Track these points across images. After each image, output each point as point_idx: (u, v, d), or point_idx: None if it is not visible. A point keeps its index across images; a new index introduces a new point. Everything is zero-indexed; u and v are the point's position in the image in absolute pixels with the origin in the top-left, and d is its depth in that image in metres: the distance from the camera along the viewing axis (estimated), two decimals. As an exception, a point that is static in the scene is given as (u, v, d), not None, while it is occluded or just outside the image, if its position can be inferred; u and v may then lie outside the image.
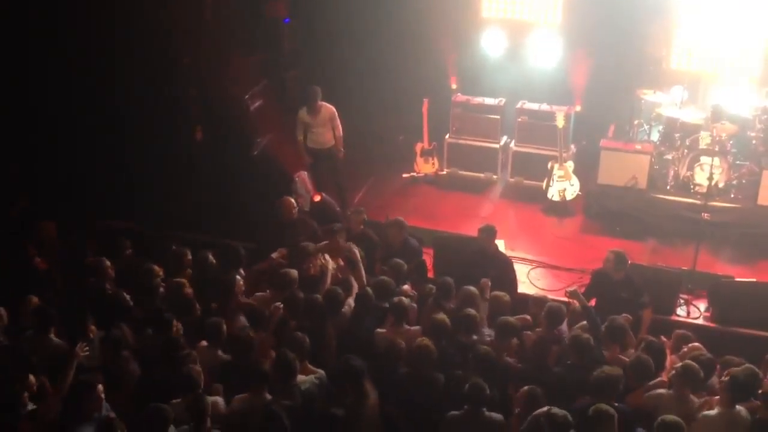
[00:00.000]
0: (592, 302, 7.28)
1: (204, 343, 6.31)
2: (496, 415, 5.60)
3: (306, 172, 10.16)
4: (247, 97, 10.59)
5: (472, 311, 6.58)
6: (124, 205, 9.65)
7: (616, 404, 5.58)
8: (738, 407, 5.65)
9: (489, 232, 8.03)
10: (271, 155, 10.36)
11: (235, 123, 10.33)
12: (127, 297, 6.75)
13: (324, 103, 9.74)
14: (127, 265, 7.55)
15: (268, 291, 7.22)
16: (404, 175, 11.23)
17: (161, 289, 7.02)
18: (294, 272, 7.06)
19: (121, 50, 9.99)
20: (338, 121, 9.85)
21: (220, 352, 6.24)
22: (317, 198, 9.78)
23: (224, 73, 10.34)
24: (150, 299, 6.86)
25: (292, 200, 8.66)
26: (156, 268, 7.23)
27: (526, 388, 5.72)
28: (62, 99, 10.03)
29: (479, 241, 8.08)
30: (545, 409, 5.39)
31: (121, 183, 9.83)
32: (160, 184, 9.79)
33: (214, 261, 7.54)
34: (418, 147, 11.15)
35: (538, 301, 6.95)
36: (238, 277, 7.12)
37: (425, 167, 11.20)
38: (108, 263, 7.30)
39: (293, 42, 11.83)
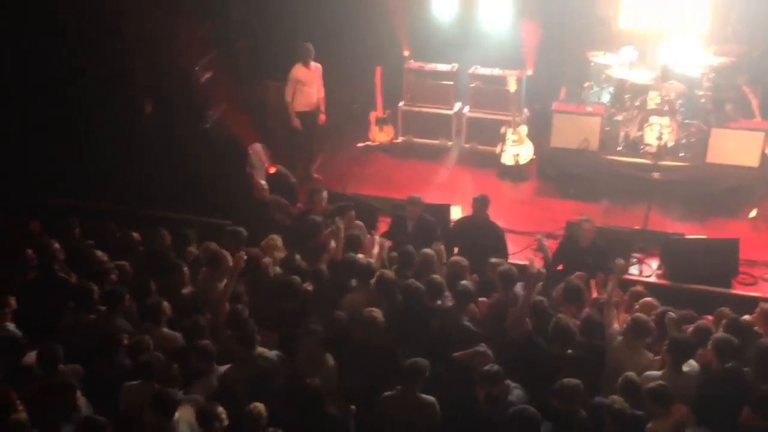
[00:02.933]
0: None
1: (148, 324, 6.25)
2: (428, 398, 5.58)
3: (260, 144, 10.07)
4: (197, 68, 10.39)
5: (437, 277, 6.61)
6: (73, 183, 9.47)
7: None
8: (686, 367, 5.78)
9: (483, 202, 8.06)
10: (224, 128, 10.23)
11: (185, 95, 10.14)
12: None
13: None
14: (75, 246, 7.36)
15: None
16: (359, 145, 11.21)
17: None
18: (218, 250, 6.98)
19: (65, 23, 9.71)
20: (321, 81, 9.88)
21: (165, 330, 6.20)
22: (272, 170, 9.71)
23: (172, 44, 10.11)
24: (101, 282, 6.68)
25: (263, 182, 8.56)
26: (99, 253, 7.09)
27: (473, 350, 5.79)
28: (3, 74, 9.74)
29: (476, 212, 8.06)
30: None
31: (69, 159, 9.62)
32: (109, 159, 9.61)
33: (168, 239, 7.41)
34: (373, 115, 11.12)
35: (493, 266, 7.02)
36: (185, 268, 6.96)
37: (380, 135, 11.18)
38: (57, 245, 7.10)
39: (242, 12, 11.61)
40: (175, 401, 5.21)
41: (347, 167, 10.70)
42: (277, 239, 7.55)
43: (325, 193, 8.29)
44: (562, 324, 6.02)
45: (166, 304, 6.30)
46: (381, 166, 10.87)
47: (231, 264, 6.75)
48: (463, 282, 6.57)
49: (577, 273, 7.15)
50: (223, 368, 5.81)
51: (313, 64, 9.91)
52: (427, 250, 7.09)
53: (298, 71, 9.84)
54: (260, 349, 5.90)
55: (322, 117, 10.17)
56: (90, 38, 9.79)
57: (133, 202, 9.24)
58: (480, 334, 6.31)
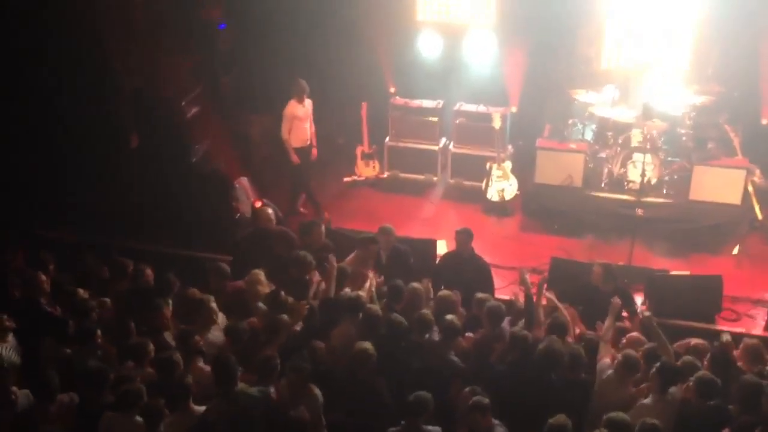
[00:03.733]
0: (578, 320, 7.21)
1: (131, 363, 6.19)
2: (434, 428, 5.57)
3: (246, 178, 10.10)
4: (183, 102, 10.42)
5: (427, 313, 6.59)
6: (61, 215, 9.41)
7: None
8: (671, 390, 5.85)
9: (466, 235, 8.03)
10: (210, 162, 10.24)
11: (171, 129, 10.16)
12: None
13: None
14: (52, 281, 7.28)
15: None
16: (345, 179, 11.23)
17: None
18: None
19: (52, 57, 9.74)
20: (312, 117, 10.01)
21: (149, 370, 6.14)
22: (259, 204, 9.69)
23: (159, 78, 10.17)
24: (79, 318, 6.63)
25: (270, 210, 8.44)
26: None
27: (467, 389, 5.76)
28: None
29: (460, 245, 8.03)
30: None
31: (56, 192, 9.58)
32: (96, 192, 9.59)
33: (151, 276, 7.36)
34: (359, 150, 11.18)
35: (480, 302, 7.01)
36: (166, 307, 6.86)
37: (366, 170, 11.22)
38: (43, 277, 7.05)
39: (229, 47, 11.72)
40: None
41: (333, 201, 10.71)
42: (260, 274, 7.47)
43: (323, 228, 8.26)
44: (554, 347, 6.03)
45: (151, 345, 6.24)
46: (366, 201, 10.89)
47: (215, 308, 6.70)
48: (449, 316, 6.54)
49: (565, 305, 7.14)
50: (201, 407, 5.72)
51: (307, 100, 9.96)
52: (416, 285, 7.07)
53: (294, 108, 9.85)
54: (242, 385, 5.83)
55: (314, 152, 10.21)
56: (77, 72, 9.80)
57: (119, 235, 9.18)
58: (465, 369, 6.29)
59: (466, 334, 6.78)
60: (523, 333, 6.37)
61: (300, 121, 9.89)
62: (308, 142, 10.08)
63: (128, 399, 5.51)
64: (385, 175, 11.25)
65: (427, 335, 6.50)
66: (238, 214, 9.61)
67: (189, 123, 10.32)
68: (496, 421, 5.57)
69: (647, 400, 5.83)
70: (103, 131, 9.99)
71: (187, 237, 9.01)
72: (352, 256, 7.83)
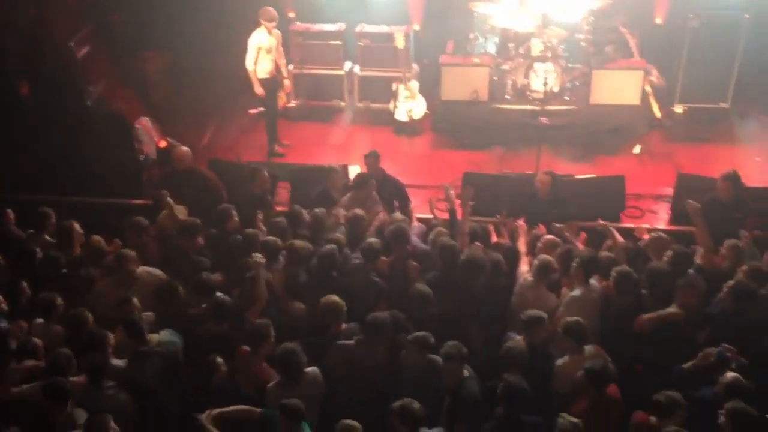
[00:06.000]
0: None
1: (40, 320, 6.03)
2: (383, 355, 5.66)
3: (148, 118, 9.76)
4: (72, 43, 9.91)
5: (340, 236, 6.67)
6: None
7: None
8: (591, 281, 6.15)
9: (375, 158, 8.15)
10: (107, 103, 9.83)
11: (62, 72, 9.67)
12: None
13: None
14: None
15: None
16: (251, 111, 10.98)
17: None
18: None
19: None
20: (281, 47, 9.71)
21: (58, 327, 5.97)
22: (163, 144, 9.44)
23: (44, 21, 9.62)
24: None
25: (186, 148, 8.15)
26: None
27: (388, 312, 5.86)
28: None
29: (370, 169, 8.10)
30: None
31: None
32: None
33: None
34: (263, 80, 10.91)
35: (384, 225, 7.08)
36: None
37: (272, 100, 10.99)
38: None
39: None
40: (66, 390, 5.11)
41: (240, 135, 10.49)
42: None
43: (266, 173, 8.06)
44: (476, 255, 6.25)
45: (60, 300, 6.06)
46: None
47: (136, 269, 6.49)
48: (370, 240, 6.61)
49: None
50: (119, 361, 5.64)
51: (276, 32, 9.64)
52: (318, 210, 7.11)
53: (259, 37, 9.52)
54: (150, 337, 5.73)
55: (288, 85, 10.11)
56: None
57: (19, 187, 8.78)
58: (387, 289, 6.39)
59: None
60: (451, 242, 6.52)
61: (267, 52, 9.58)
62: (274, 74, 9.80)
63: (59, 364, 5.38)
64: (293, 104, 11.07)
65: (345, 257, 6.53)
66: (143, 156, 9.33)
67: (80, 65, 9.84)
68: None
69: (575, 292, 6.10)
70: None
71: (90, 184, 8.68)
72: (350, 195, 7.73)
